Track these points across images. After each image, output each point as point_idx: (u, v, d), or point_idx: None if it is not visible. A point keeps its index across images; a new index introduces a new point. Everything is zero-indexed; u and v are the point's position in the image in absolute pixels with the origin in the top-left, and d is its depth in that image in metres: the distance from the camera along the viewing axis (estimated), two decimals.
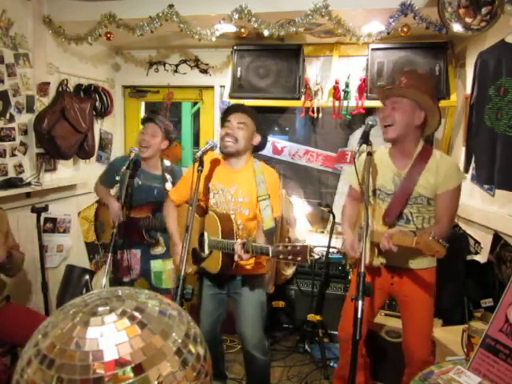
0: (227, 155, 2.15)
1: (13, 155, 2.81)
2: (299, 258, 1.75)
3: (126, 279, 2.72)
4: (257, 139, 2.18)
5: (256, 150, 2.24)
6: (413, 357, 2.02)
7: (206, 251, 2.09)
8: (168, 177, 2.76)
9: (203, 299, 2.27)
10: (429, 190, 1.94)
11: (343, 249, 2.15)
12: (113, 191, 2.95)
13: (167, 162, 2.85)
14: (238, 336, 2.28)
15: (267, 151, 3.67)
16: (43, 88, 2.97)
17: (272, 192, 2.11)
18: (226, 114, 2.19)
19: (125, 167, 2.53)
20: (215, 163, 2.21)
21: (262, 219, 2.06)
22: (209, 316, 2.27)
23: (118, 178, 2.73)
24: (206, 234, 2.10)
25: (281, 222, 3.32)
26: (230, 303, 2.32)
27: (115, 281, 2.70)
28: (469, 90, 2.71)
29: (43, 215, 2.96)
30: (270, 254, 1.82)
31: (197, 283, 2.33)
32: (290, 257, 1.76)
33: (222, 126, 2.19)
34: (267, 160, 3.59)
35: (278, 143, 3.68)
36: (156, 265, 2.75)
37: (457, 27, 2.28)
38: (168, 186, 2.72)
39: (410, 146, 1.98)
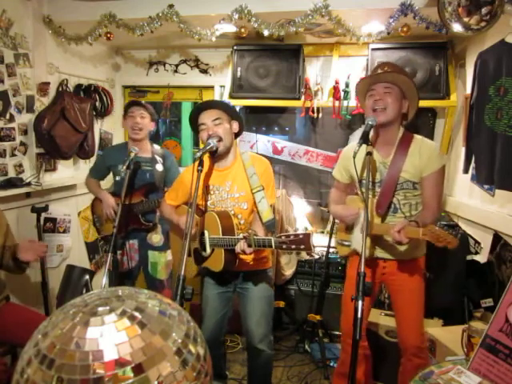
0: (218, 155, 2.11)
1: (13, 155, 2.81)
2: (302, 247, 1.73)
3: (125, 269, 2.79)
4: (235, 127, 2.15)
5: (236, 135, 2.21)
6: (406, 344, 2.05)
7: (208, 250, 2.09)
8: (158, 159, 2.79)
9: (208, 298, 2.25)
10: (413, 173, 1.96)
11: (348, 218, 2.07)
12: (104, 186, 2.97)
13: (157, 146, 2.91)
14: (244, 330, 2.26)
15: (267, 151, 3.67)
16: (43, 88, 2.97)
17: (265, 181, 2.10)
18: (195, 116, 2.11)
19: (125, 167, 2.55)
20: (205, 166, 2.19)
21: (259, 212, 2.06)
22: (214, 315, 2.25)
23: (118, 179, 2.76)
24: (206, 232, 2.10)
25: (280, 221, 3.32)
26: (235, 300, 2.32)
27: (119, 275, 2.75)
28: (469, 90, 2.71)
29: (43, 215, 2.96)
30: (273, 246, 1.81)
31: (200, 284, 2.33)
32: (293, 246, 1.75)
33: (197, 131, 2.13)
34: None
35: (277, 143, 3.68)
36: (153, 256, 2.83)
37: (457, 27, 2.28)
38: (159, 167, 2.78)
39: (393, 133, 2.01)
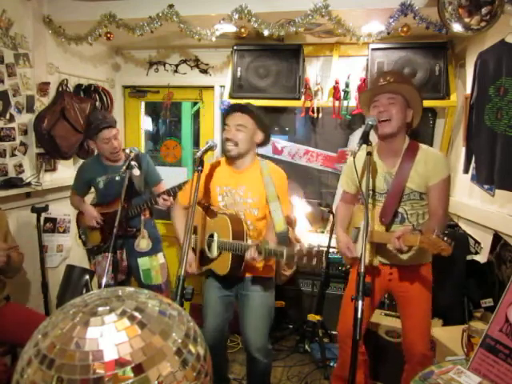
0: (231, 158, 2.14)
1: (13, 155, 2.81)
2: (314, 263, 1.72)
3: (114, 281, 2.75)
4: (259, 137, 2.14)
5: (260, 145, 2.21)
6: (413, 352, 2.03)
7: (215, 253, 2.08)
8: (133, 163, 2.74)
9: (210, 301, 2.24)
10: (419, 183, 1.96)
11: (338, 250, 2.16)
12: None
13: (127, 150, 2.85)
14: (242, 338, 2.26)
15: (267, 151, 3.67)
16: (43, 88, 2.97)
17: (281, 192, 2.09)
18: (226, 115, 2.15)
19: (125, 167, 2.54)
20: (220, 166, 2.20)
21: (273, 222, 2.04)
22: (215, 318, 2.23)
23: (117, 179, 2.75)
24: (215, 235, 2.09)
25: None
26: (236, 304, 2.31)
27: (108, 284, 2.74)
28: (469, 90, 2.71)
29: (43, 215, 2.96)
30: (285, 257, 1.79)
31: (203, 284, 2.31)
32: (304, 260, 1.73)
33: (223, 128, 2.17)
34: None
35: (277, 143, 3.68)
36: (143, 263, 2.80)
37: (457, 27, 2.28)
38: (136, 171, 2.67)
39: (399, 143, 2.01)
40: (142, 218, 2.78)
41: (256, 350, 2.15)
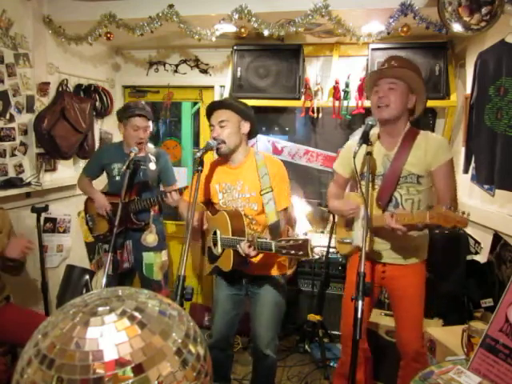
0: (222, 156, 2.14)
1: (13, 155, 2.81)
2: (301, 253, 1.72)
3: (123, 270, 2.80)
4: (245, 128, 2.12)
5: (249, 136, 2.20)
6: (406, 349, 2.04)
7: (219, 249, 2.09)
8: (152, 158, 2.78)
9: (218, 299, 2.25)
10: (418, 166, 1.94)
11: (347, 212, 2.07)
12: (99, 186, 2.97)
13: (151, 145, 2.90)
14: (252, 334, 2.27)
15: (267, 151, 3.67)
16: (43, 88, 2.97)
17: (277, 183, 2.08)
18: (208, 115, 2.13)
19: (125, 167, 2.55)
20: (216, 164, 2.21)
21: (265, 213, 2.04)
22: (224, 316, 2.24)
23: (117, 179, 2.75)
24: (218, 232, 2.10)
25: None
26: (247, 303, 2.31)
27: (118, 276, 2.79)
28: (469, 90, 2.72)
29: (43, 215, 2.95)
30: (273, 250, 1.80)
31: (214, 283, 2.33)
32: (292, 251, 1.74)
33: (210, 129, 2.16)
34: None
35: (277, 143, 3.68)
36: (147, 257, 2.82)
37: (457, 27, 2.28)
38: (152, 166, 2.76)
39: (399, 127, 1.99)
40: (152, 213, 2.78)
41: (266, 346, 2.17)
